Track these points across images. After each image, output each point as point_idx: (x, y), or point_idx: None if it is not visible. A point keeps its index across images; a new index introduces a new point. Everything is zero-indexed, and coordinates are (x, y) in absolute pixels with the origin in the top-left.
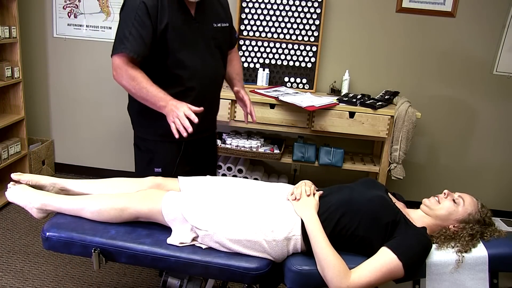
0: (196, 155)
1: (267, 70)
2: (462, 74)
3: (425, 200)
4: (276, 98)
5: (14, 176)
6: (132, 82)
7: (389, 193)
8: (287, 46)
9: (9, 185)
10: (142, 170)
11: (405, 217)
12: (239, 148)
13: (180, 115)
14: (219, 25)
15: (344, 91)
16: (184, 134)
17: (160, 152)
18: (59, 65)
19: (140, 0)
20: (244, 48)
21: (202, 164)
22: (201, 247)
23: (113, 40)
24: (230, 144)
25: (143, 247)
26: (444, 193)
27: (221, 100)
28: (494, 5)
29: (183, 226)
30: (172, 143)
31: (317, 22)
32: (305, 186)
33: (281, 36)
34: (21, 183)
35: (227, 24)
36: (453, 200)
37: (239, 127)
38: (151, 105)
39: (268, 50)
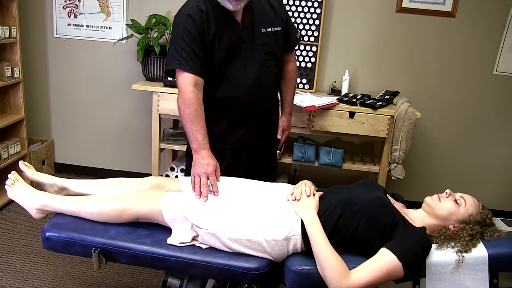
0: (251, 163)
1: None
2: (462, 74)
3: (427, 199)
4: None
5: (21, 164)
6: (185, 108)
7: (388, 194)
8: None
9: (8, 181)
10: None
11: (404, 218)
12: None
13: (203, 180)
14: (269, 29)
15: (344, 91)
16: (199, 198)
17: None
18: (59, 65)
19: (186, 14)
20: None
21: (257, 172)
22: (201, 247)
23: (113, 40)
24: None
25: (143, 247)
26: (446, 192)
27: None
28: (494, 5)
29: (183, 226)
30: (215, 150)
31: (317, 22)
32: (305, 186)
33: None
34: (21, 175)
35: (279, 28)
36: (455, 201)
37: None
38: (188, 139)
39: None
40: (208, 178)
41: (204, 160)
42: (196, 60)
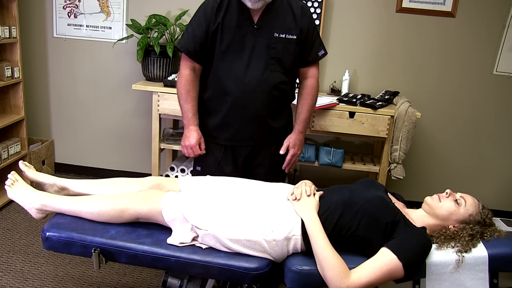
0: (249, 163)
1: None
2: (462, 74)
3: (427, 198)
4: None
5: (21, 164)
6: (180, 88)
7: (388, 193)
8: None
9: (7, 181)
10: (193, 170)
11: (405, 217)
12: None
13: (188, 151)
14: (282, 35)
15: (344, 91)
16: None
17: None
18: (59, 65)
19: (203, 3)
20: None
21: (258, 175)
22: (201, 247)
23: (113, 40)
24: None
25: (143, 247)
26: (446, 192)
27: None
28: (494, 5)
29: (183, 226)
30: (214, 144)
31: (317, 22)
32: (305, 186)
33: None
34: (21, 175)
35: (294, 36)
36: (455, 201)
37: None
38: (182, 115)
39: None
40: (192, 149)
41: (190, 134)
42: (195, 45)
